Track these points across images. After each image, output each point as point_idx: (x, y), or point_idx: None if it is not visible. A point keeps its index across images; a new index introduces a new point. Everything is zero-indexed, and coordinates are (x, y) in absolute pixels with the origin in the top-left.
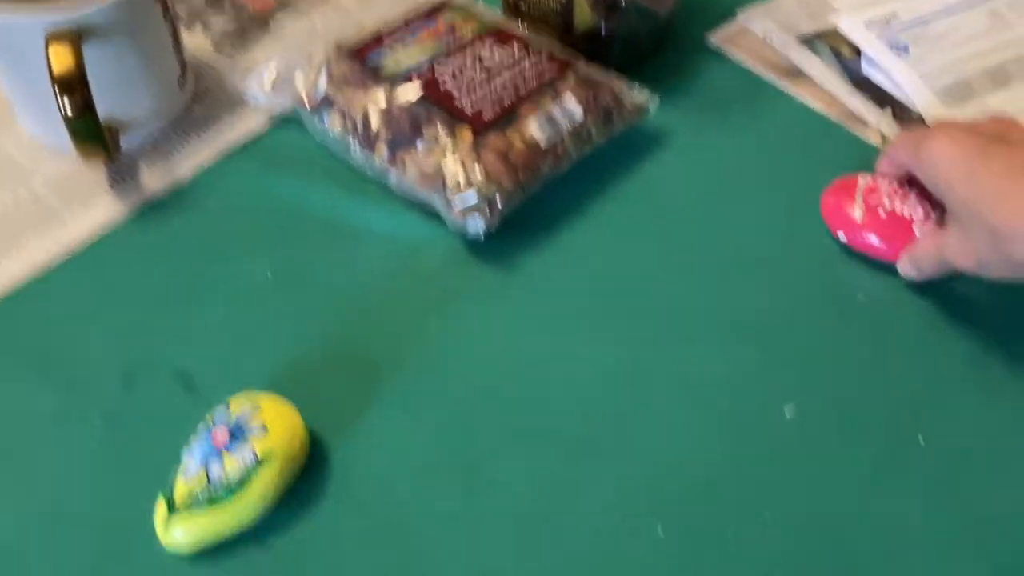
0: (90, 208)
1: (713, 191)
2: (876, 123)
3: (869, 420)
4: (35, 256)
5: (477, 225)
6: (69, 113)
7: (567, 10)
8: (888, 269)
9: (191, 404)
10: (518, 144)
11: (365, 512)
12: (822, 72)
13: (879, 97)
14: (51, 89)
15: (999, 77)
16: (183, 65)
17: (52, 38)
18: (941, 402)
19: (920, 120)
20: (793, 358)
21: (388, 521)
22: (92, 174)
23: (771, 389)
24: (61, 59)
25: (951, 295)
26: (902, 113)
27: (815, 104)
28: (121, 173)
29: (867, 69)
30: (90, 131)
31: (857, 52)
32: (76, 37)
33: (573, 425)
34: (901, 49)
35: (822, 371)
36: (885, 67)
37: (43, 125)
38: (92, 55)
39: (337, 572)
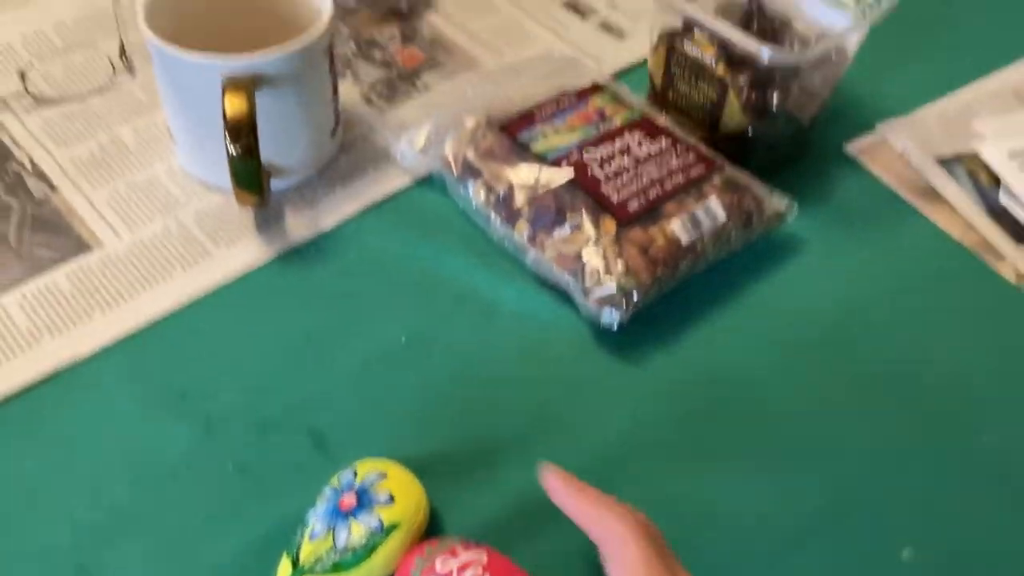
0: (235, 247)
1: (841, 306)
2: (1012, 258)
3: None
4: (179, 289)
5: (612, 316)
6: (235, 156)
7: (718, 108)
8: None
9: (319, 462)
10: (660, 240)
11: None
12: (958, 196)
13: (1017, 231)
14: (218, 129)
15: None
16: (338, 116)
17: (229, 83)
18: None
19: None
20: (914, 494)
21: None
22: (240, 213)
23: (887, 526)
24: (235, 104)
25: None
26: None
27: (949, 229)
28: (267, 216)
29: (1006, 200)
30: (251, 175)
31: (996, 180)
32: (251, 84)
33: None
34: None
35: (944, 510)
36: None
37: (202, 161)
38: (261, 102)
39: None
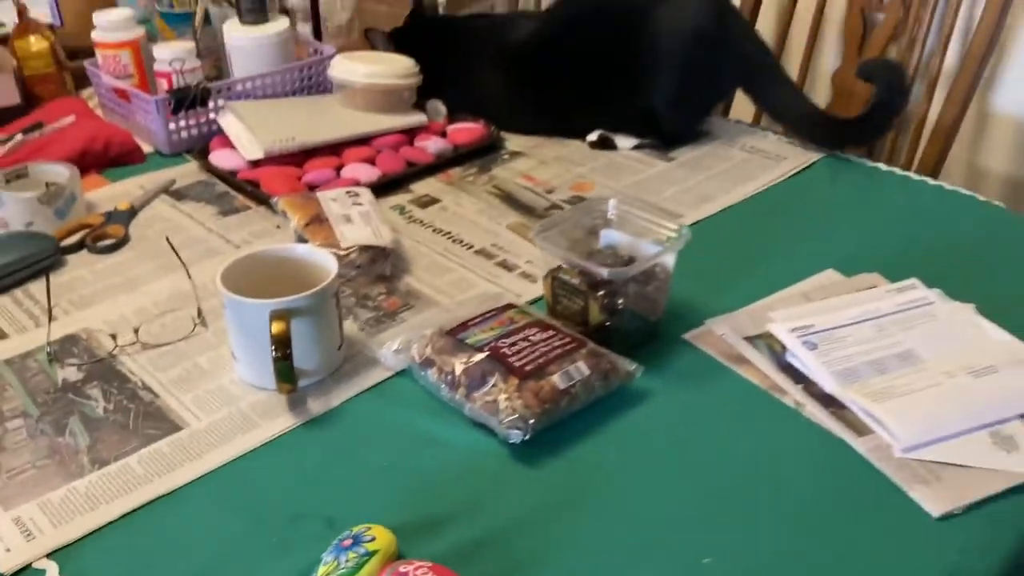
0: (274, 420)
1: (680, 435)
2: (792, 392)
3: None
4: (238, 446)
5: (516, 436)
6: (277, 359)
7: (584, 311)
8: None
9: (331, 533)
10: (546, 387)
11: None
12: (758, 359)
13: (797, 376)
14: (266, 347)
15: (879, 366)
16: (342, 337)
17: (274, 315)
18: None
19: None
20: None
21: None
22: (278, 400)
23: None
24: (279, 328)
25: None
26: (811, 388)
27: (753, 379)
28: (296, 400)
29: (790, 358)
30: (287, 372)
31: (783, 347)
32: (288, 315)
33: None
34: (812, 346)
35: None
36: (800, 357)
37: (254, 369)
38: (293, 326)
39: None
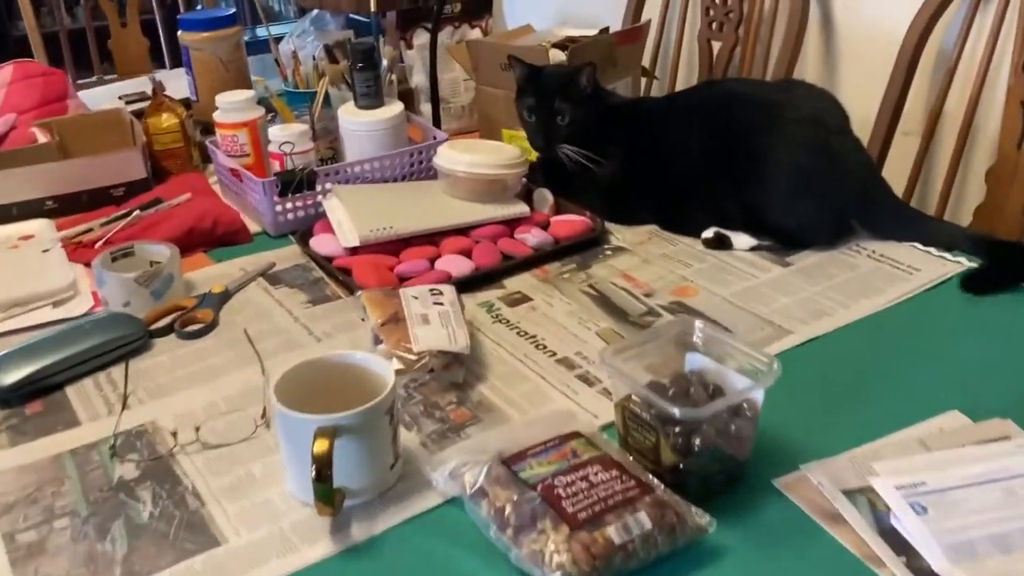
0: (314, 545)
1: None
2: (892, 567)
3: None
4: (274, 572)
5: None
6: (316, 481)
7: (656, 450)
8: None
9: None
10: (600, 540)
11: None
12: (856, 520)
13: (899, 545)
14: (310, 463)
15: (1002, 543)
16: (397, 455)
17: (318, 432)
18: None
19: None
20: None
21: None
22: (320, 521)
23: None
24: (320, 447)
25: None
26: (915, 562)
27: (848, 545)
28: (339, 522)
29: (894, 521)
30: (327, 495)
31: (887, 507)
32: (332, 433)
33: None
34: (921, 509)
35: None
36: (905, 522)
37: (301, 484)
38: (340, 445)
39: None
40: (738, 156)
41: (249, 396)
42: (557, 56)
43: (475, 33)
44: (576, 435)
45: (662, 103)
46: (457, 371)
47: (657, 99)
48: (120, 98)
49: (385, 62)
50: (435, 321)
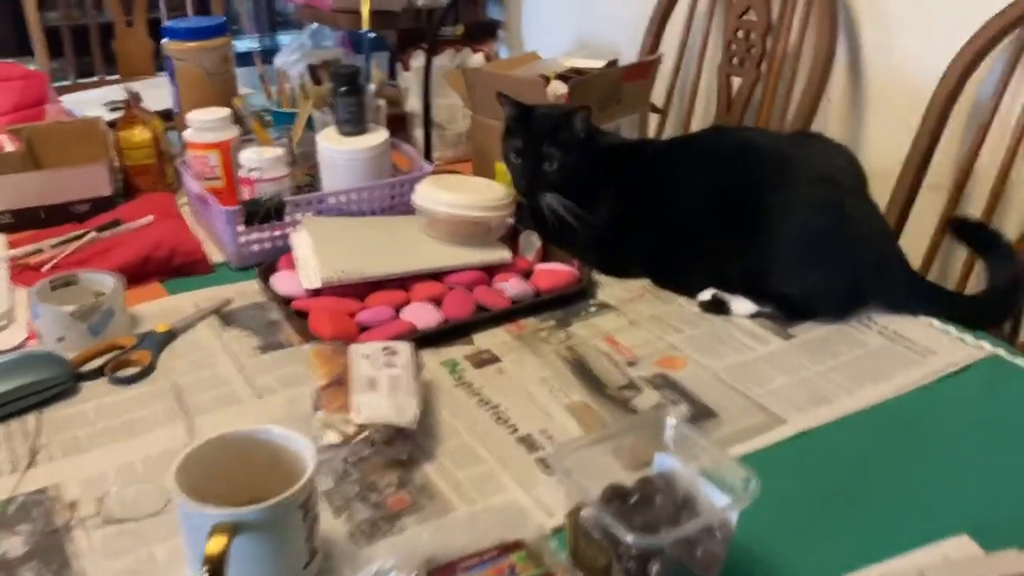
0: None
1: None
2: None
3: None
4: None
5: None
6: None
7: (608, 571)
8: None
9: None
10: None
11: None
12: None
13: None
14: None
15: None
16: (313, 552)
17: (215, 528)
18: None
19: None
20: None
21: None
22: None
23: None
24: (214, 545)
25: None
26: None
27: None
28: None
29: None
30: None
31: None
32: (232, 529)
33: None
34: None
35: None
36: None
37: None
38: (239, 543)
39: None
40: (743, 212)
41: (169, 460)
42: (558, 88)
43: (477, 58)
44: (518, 545)
45: (665, 147)
46: (401, 448)
47: (660, 142)
48: (105, 104)
49: (372, 86)
50: (383, 387)
